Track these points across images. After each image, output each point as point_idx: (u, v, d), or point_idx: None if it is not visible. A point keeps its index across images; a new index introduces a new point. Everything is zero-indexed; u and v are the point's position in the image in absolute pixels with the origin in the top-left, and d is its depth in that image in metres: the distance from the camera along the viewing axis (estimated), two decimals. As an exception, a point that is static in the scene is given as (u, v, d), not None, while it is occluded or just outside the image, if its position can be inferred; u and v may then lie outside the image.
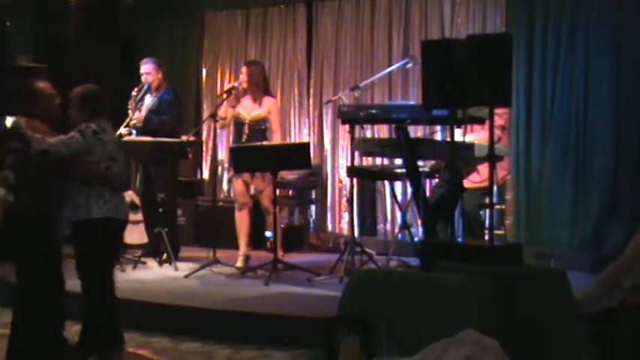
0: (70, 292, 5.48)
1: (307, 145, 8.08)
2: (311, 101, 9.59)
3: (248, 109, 7.90)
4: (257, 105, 7.88)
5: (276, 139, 7.87)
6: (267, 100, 7.92)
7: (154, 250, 8.21)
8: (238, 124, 7.97)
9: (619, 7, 7.59)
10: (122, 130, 8.11)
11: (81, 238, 5.28)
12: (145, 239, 8.46)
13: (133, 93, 8.34)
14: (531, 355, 3.80)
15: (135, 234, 8.69)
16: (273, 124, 7.88)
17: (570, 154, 7.81)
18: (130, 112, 8.30)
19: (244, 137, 7.88)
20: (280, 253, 7.81)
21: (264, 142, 7.74)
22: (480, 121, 6.34)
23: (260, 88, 7.92)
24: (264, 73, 8.22)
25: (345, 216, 9.22)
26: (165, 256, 8.05)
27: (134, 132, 8.16)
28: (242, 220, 7.99)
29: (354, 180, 7.75)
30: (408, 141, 6.59)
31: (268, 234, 8.43)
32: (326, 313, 5.07)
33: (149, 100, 8.35)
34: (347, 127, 7.48)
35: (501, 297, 3.77)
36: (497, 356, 3.43)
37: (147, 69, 8.37)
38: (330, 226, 9.49)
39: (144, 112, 8.26)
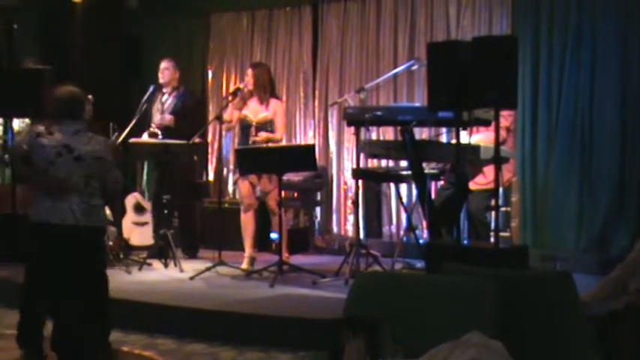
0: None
1: (312, 147, 8.08)
2: (316, 103, 9.59)
3: (255, 112, 7.90)
4: (264, 107, 7.87)
5: (277, 135, 7.84)
6: (274, 102, 7.91)
7: (159, 251, 8.23)
8: (245, 126, 7.96)
9: (625, 9, 7.58)
10: (147, 132, 8.23)
11: None
12: (150, 241, 8.48)
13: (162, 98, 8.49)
14: (537, 358, 3.79)
15: (140, 235, 8.71)
16: (278, 126, 7.87)
17: (576, 156, 7.79)
18: (153, 114, 8.44)
19: (251, 139, 7.89)
20: (285, 254, 7.81)
21: (270, 144, 7.74)
22: (485, 122, 6.34)
23: (266, 90, 7.92)
24: (270, 75, 8.22)
25: (351, 218, 9.21)
26: (174, 255, 8.07)
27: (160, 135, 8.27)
28: (247, 222, 7.99)
29: (360, 182, 7.75)
30: (413, 143, 6.59)
31: (274, 236, 8.43)
32: (331, 315, 5.07)
33: (169, 102, 8.43)
34: (352, 128, 7.48)
35: (507, 299, 3.76)
36: (503, 358, 3.43)
37: (165, 65, 8.50)
38: (335, 228, 9.48)
39: (166, 114, 8.35)
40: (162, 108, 8.47)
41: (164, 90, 8.55)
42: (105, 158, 5.32)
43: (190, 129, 8.06)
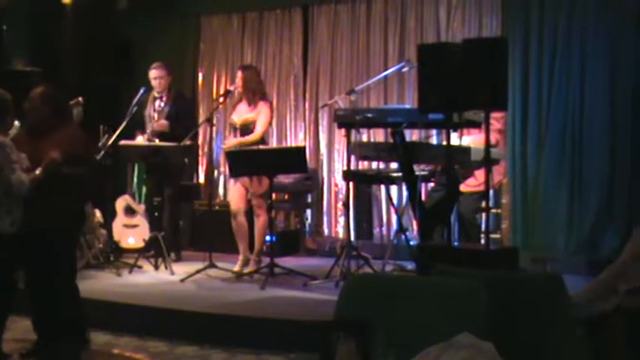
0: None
1: (303, 149, 8.06)
2: (307, 105, 9.59)
3: (240, 114, 7.90)
4: (251, 109, 7.86)
5: (251, 136, 7.79)
6: (261, 104, 7.87)
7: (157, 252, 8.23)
8: (232, 129, 7.99)
9: (615, 11, 7.61)
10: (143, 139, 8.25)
11: None
12: (141, 243, 8.47)
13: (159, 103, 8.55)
14: (527, 359, 3.80)
15: (131, 238, 8.69)
16: (258, 124, 7.80)
17: (566, 158, 7.82)
18: (148, 121, 8.49)
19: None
20: (255, 257, 7.83)
21: (261, 146, 7.73)
22: (476, 124, 6.35)
23: (255, 92, 7.89)
24: (260, 78, 8.22)
25: (341, 220, 9.22)
26: (164, 258, 8.04)
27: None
28: (238, 227, 7.94)
29: (350, 184, 7.75)
30: (404, 145, 6.60)
31: (267, 238, 8.41)
32: (322, 317, 5.07)
33: (162, 107, 8.43)
34: (343, 130, 7.48)
35: (497, 301, 3.77)
36: (493, 360, 3.43)
37: (160, 73, 8.53)
38: (326, 230, 9.48)
39: (161, 119, 8.36)
40: (156, 114, 8.47)
41: (156, 95, 8.56)
42: None
43: (184, 131, 8.07)
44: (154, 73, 8.54)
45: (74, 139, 5.56)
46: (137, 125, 8.55)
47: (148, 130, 8.43)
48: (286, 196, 9.34)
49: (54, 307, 5.56)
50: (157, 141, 8.23)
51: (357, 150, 7.40)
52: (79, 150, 5.49)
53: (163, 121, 8.39)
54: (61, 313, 5.58)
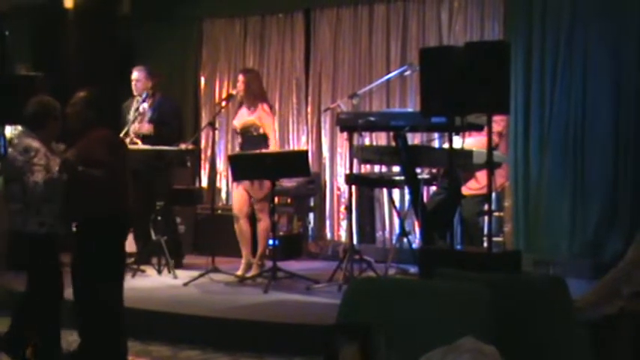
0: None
1: (306, 152, 8.08)
2: (309, 109, 9.59)
3: (241, 118, 7.92)
4: (250, 112, 7.88)
5: (270, 145, 7.83)
6: (260, 107, 7.88)
7: (147, 258, 8.20)
8: (234, 134, 8.01)
9: (618, 14, 7.60)
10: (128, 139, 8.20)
11: None
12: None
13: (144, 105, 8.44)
14: (531, 363, 3.79)
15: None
16: (267, 130, 7.84)
17: (569, 161, 7.81)
18: (133, 121, 8.38)
19: (237, 147, 7.91)
20: (257, 262, 7.82)
21: (263, 150, 7.73)
22: (478, 127, 6.35)
23: (256, 96, 7.90)
24: (261, 82, 8.25)
25: (344, 223, 9.22)
26: (168, 262, 8.02)
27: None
28: (240, 230, 7.95)
29: (353, 187, 7.76)
30: (406, 148, 6.60)
31: (269, 242, 8.40)
32: (325, 320, 5.06)
33: (146, 110, 8.38)
34: (345, 134, 7.49)
35: (500, 304, 3.77)
36: (497, 363, 3.43)
37: (137, 76, 8.44)
38: (328, 234, 9.48)
39: (144, 122, 8.31)
40: (139, 116, 8.39)
41: (138, 97, 8.47)
42: (14, 163, 5.30)
43: (169, 135, 8.06)
44: (132, 75, 8.49)
45: (98, 141, 5.51)
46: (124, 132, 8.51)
47: (131, 133, 8.33)
48: (289, 200, 9.34)
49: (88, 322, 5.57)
50: (139, 143, 8.17)
51: (360, 153, 7.41)
52: (100, 152, 5.43)
53: (147, 124, 8.30)
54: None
